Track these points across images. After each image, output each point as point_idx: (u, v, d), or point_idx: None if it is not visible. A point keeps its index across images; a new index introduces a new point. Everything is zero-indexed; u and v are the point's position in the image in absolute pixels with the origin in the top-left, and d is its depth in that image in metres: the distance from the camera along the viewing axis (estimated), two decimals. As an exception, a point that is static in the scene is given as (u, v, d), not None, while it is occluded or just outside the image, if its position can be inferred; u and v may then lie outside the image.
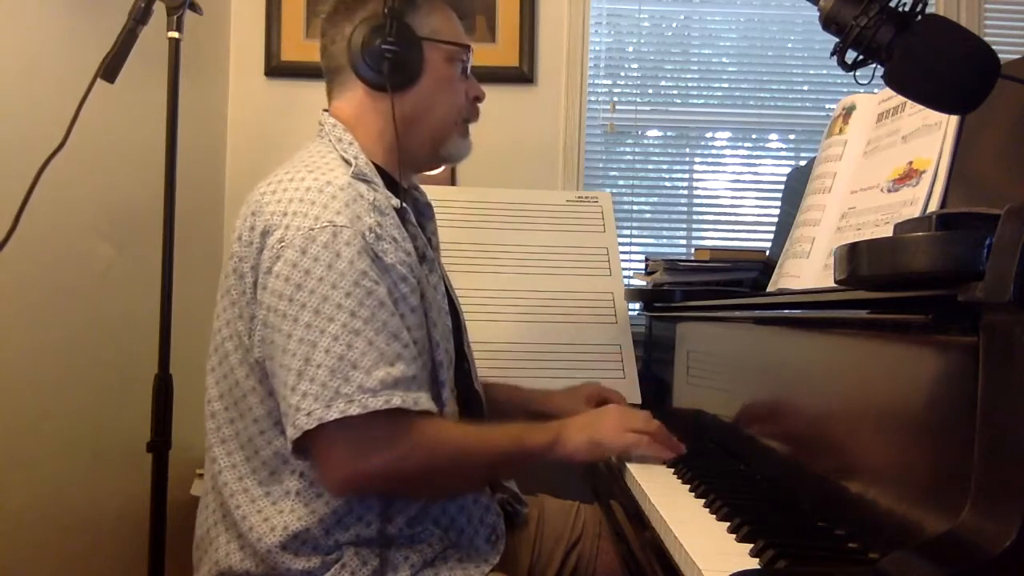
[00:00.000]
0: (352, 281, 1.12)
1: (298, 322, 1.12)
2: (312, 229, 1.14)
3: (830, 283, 0.89)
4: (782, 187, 1.87)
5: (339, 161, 1.25)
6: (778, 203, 1.87)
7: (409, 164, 1.36)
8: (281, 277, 1.14)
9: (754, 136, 2.62)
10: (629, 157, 2.58)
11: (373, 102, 1.30)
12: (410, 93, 1.30)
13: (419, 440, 1.14)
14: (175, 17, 1.71)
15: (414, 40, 1.29)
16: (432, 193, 1.48)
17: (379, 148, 1.31)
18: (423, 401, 1.14)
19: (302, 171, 1.21)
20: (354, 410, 1.09)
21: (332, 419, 1.08)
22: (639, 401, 1.84)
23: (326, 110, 1.35)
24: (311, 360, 1.10)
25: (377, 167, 1.28)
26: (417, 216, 1.36)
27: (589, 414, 1.36)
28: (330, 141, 1.29)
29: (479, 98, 1.39)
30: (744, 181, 2.60)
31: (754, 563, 0.81)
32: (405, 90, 1.29)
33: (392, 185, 1.29)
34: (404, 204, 1.26)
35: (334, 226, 1.14)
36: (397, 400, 1.11)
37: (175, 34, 1.72)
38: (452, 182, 2.25)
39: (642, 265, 2.12)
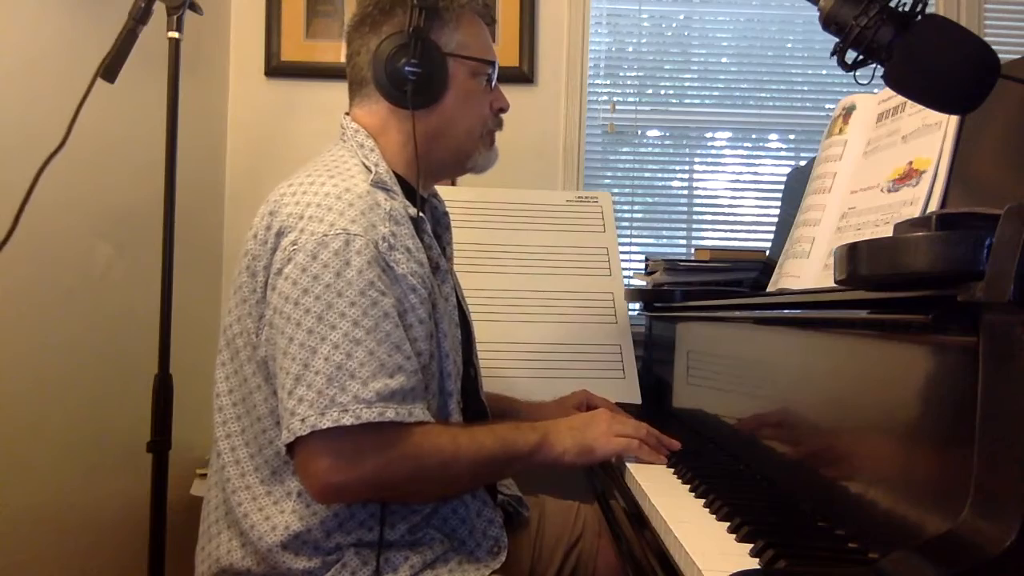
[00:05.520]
0: (358, 291, 1.12)
1: (301, 326, 1.12)
2: (326, 235, 1.14)
3: (830, 283, 0.89)
4: (782, 187, 1.87)
5: (360, 167, 1.25)
6: (778, 203, 1.87)
7: (433, 175, 1.37)
8: (290, 280, 1.14)
9: (754, 136, 2.62)
10: (629, 157, 2.58)
11: (396, 118, 1.30)
12: (434, 110, 1.30)
13: (406, 448, 1.13)
14: (175, 17, 1.72)
15: (439, 57, 1.28)
16: (432, 193, 1.48)
17: (400, 158, 1.31)
18: (418, 412, 1.14)
19: (323, 175, 1.21)
20: (347, 420, 1.08)
21: (324, 427, 1.08)
22: (639, 401, 1.84)
23: (347, 113, 1.35)
24: (310, 366, 1.10)
25: (397, 175, 1.29)
26: (434, 225, 1.36)
27: (578, 417, 1.35)
28: (352, 146, 1.29)
29: (503, 109, 1.39)
30: (744, 181, 2.60)
31: (754, 563, 0.81)
32: (428, 107, 1.29)
33: (411, 194, 1.29)
34: (421, 214, 1.27)
35: (347, 234, 1.14)
36: (391, 413, 1.10)
37: (175, 34, 1.72)
38: (452, 182, 2.25)
39: (642, 265, 2.12)
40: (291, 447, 1.13)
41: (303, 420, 1.09)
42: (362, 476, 1.12)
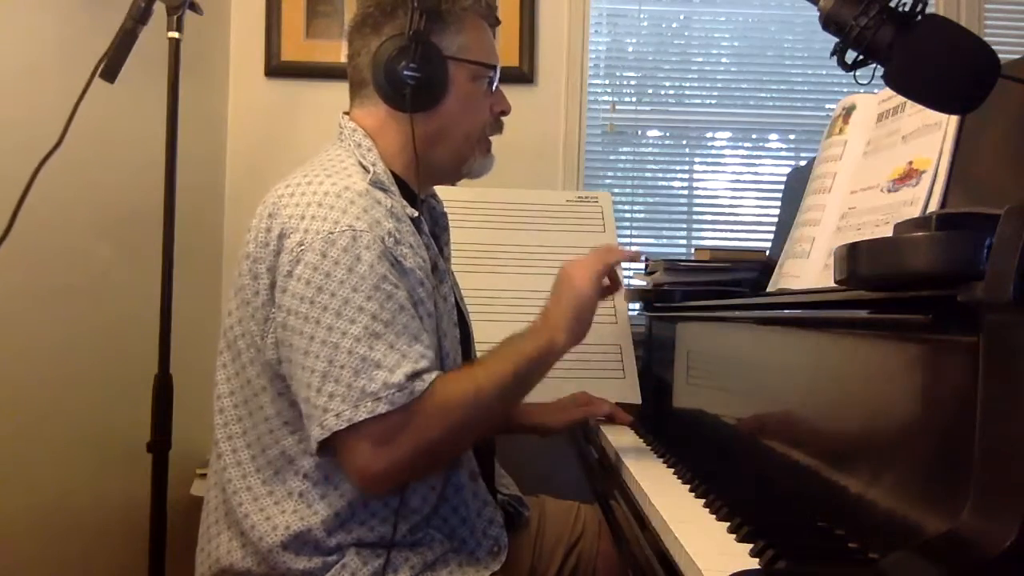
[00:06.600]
0: (372, 285, 1.13)
1: (320, 324, 1.12)
2: (331, 233, 1.14)
3: (830, 283, 0.89)
4: (782, 187, 1.87)
5: (358, 167, 1.24)
6: (778, 203, 1.87)
7: (429, 178, 1.36)
8: (302, 280, 1.14)
9: (754, 136, 2.62)
10: (629, 157, 2.58)
11: (395, 120, 1.30)
12: (433, 113, 1.29)
13: (432, 408, 1.13)
14: (175, 17, 1.72)
15: (439, 61, 1.27)
16: (432, 193, 1.48)
17: (398, 160, 1.30)
18: (433, 375, 1.15)
19: (320, 175, 1.21)
20: (382, 408, 1.10)
21: (361, 419, 1.09)
22: (639, 401, 1.84)
23: (346, 113, 1.34)
24: (334, 361, 1.11)
25: (395, 175, 1.28)
26: (431, 226, 1.36)
27: (554, 290, 1.30)
28: (349, 146, 1.29)
29: (504, 112, 1.38)
30: (744, 181, 2.60)
31: (754, 563, 0.81)
32: (427, 111, 1.28)
33: (409, 195, 1.29)
34: (420, 215, 1.27)
35: (353, 230, 1.14)
36: (420, 385, 1.12)
37: (175, 34, 1.72)
38: (452, 182, 2.25)
39: (642, 265, 2.12)
40: (323, 444, 1.13)
41: (338, 415, 1.10)
42: (404, 453, 1.13)
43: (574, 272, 1.28)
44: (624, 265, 2.10)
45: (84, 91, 1.55)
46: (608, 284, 1.33)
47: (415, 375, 1.12)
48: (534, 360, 1.22)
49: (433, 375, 1.14)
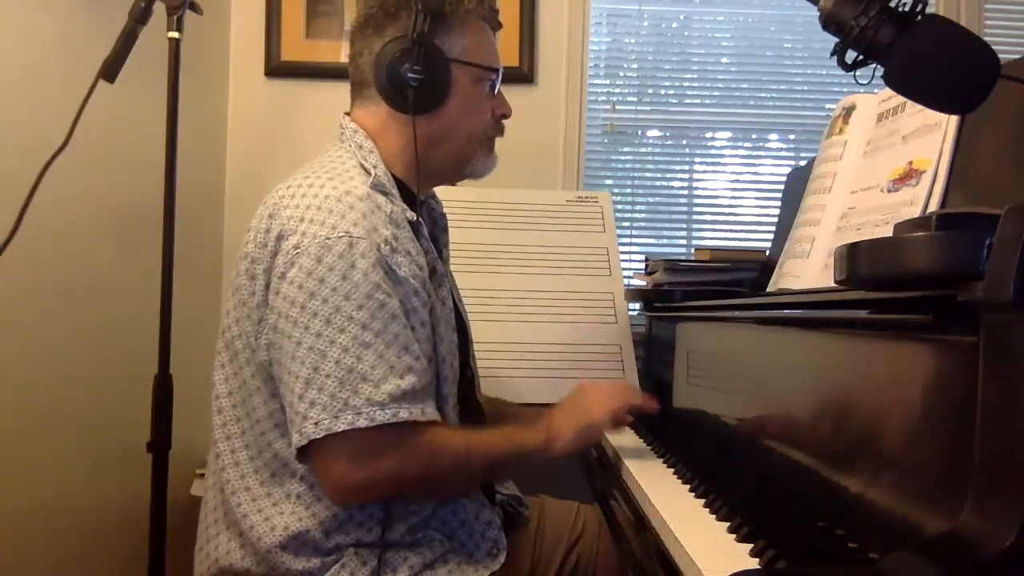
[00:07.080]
0: (365, 293, 1.13)
1: (308, 330, 1.12)
2: (328, 238, 1.14)
3: (830, 283, 0.89)
4: (782, 187, 1.87)
5: (359, 169, 1.24)
6: (778, 203, 1.87)
7: (431, 180, 1.36)
8: (295, 284, 1.14)
9: (754, 136, 2.62)
10: (629, 157, 2.58)
11: (396, 122, 1.30)
12: (435, 115, 1.29)
13: (420, 446, 1.15)
14: (175, 17, 1.72)
15: (442, 63, 1.27)
16: (432, 193, 1.48)
17: (399, 161, 1.30)
18: (429, 411, 1.16)
19: (322, 177, 1.21)
20: (361, 423, 1.09)
21: (339, 430, 1.09)
22: (639, 401, 1.83)
23: (347, 113, 1.34)
24: (320, 369, 1.11)
25: (395, 178, 1.28)
26: (431, 227, 1.36)
27: (571, 402, 1.34)
28: (351, 147, 1.29)
29: (505, 115, 1.38)
30: (744, 181, 2.60)
31: (754, 563, 0.81)
32: (429, 113, 1.28)
33: (408, 197, 1.29)
34: (419, 218, 1.27)
35: (350, 237, 1.14)
36: (404, 413, 1.12)
37: (175, 34, 1.72)
38: (453, 182, 2.25)
39: (642, 265, 2.12)
40: (303, 450, 1.14)
41: (316, 423, 1.10)
42: (380, 475, 1.13)
43: (594, 399, 1.33)
44: (624, 265, 2.12)
45: (89, 93, 1.55)
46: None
47: (400, 395, 1.12)
48: (525, 452, 1.27)
49: (428, 407, 1.15)
